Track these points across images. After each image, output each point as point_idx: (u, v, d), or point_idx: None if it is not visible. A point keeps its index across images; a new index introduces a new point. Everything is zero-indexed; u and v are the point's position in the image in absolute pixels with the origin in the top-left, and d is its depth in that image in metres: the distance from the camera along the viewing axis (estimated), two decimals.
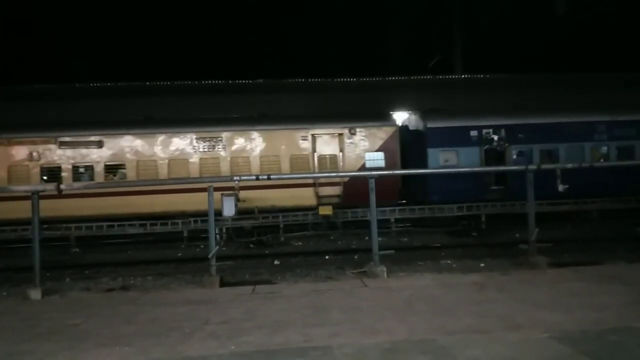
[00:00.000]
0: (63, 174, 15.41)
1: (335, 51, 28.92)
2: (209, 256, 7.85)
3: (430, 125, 16.40)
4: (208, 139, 16.09)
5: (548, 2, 25.14)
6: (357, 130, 16.33)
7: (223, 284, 7.97)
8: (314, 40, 28.89)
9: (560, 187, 8.61)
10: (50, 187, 8.79)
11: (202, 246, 13.88)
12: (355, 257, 11.70)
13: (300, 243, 14.97)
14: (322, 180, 15.59)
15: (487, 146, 16.18)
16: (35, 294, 7.27)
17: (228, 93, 20.42)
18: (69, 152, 15.55)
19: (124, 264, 12.16)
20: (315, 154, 16.24)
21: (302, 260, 11.91)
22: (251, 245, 14.71)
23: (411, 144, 16.87)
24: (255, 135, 16.27)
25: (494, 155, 16.25)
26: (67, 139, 15.55)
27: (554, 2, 24.58)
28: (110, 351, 4.38)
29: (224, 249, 13.66)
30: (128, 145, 15.82)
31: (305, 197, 15.49)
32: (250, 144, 16.22)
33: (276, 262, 11.86)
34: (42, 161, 15.50)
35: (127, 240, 15.64)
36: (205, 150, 15.96)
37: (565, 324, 4.53)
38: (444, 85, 21.40)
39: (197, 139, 16.01)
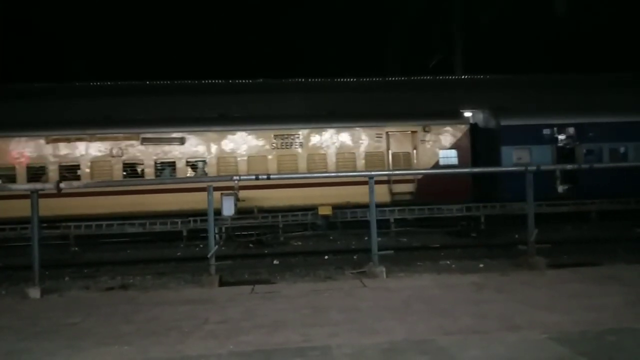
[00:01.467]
0: (145, 170, 15.67)
1: (334, 51, 28.95)
2: (208, 255, 7.84)
3: (504, 123, 16.60)
4: (286, 136, 16.34)
5: (548, 2, 25.16)
6: (431, 127, 16.52)
7: (222, 283, 7.97)
8: (317, 40, 28.92)
9: (560, 188, 8.63)
10: (50, 186, 8.78)
11: (201, 245, 13.88)
12: (355, 257, 11.70)
13: (300, 243, 14.97)
14: (396, 178, 15.85)
15: (558, 144, 16.39)
16: (34, 292, 7.26)
17: (302, 91, 20.66)
18: (151, 148, 15.77)
19: (123, 263, 12.16)
20: (390, 151, 16.44)
21: (302, 260, 11.91)
22: (250, 245, 14.72)
23: (482, 141, 17.00)
24: (331, 132, 16.47)
25: (565, 154, 16.44)
26: (149, 135, 15.78)
27: (554, 2, 24.61)
28: (109, 350, 4.38)
29: (223, 248, 13.66)
30: (209, 142, 16.02)
31: (379, 193, 15.76)
32: (327, 142, 16.44)
33: (275, 261, 11.86)
34: (125, 157, 15.74)
35: (127, 240, 15.64)
36: (283, 147, 16.19)
37: (564, 324, 4.53)
38: (511, 84, 21.50)
39: (275, 136, 16.23)
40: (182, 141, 15.87)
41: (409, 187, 16.17)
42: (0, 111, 18.14)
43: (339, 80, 21.91)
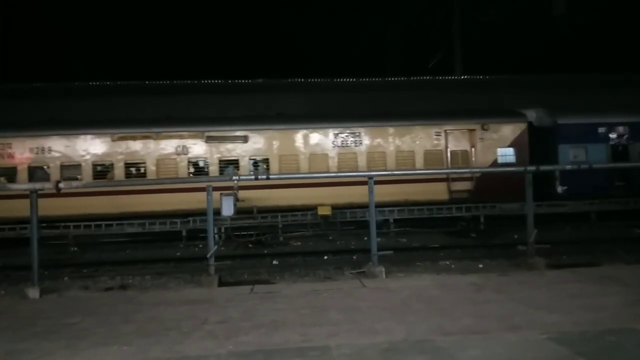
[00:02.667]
0: (210, 168, 15.84)
1: (334, 50, 28.98)
2: (208, 256, 7.84)
3: (561, 121, 16.68)
4: (346, 134, 16.48)
5: (547, 3, 25.17)
6: (490, 126, 16.60)
7: (221, 283, 7.96)
8: (317, 40, 28.95)
9: (559, 189, 8.65)
10: (49, 185, 8.78)
11: (200, 246, 13.88)
12: (354, 257, 11.70)
13: (299, 243, 14.98)
14: (454, 175, 16.03)
15: (611, 142, 16.52)
16: (34, 292, 7.26)
17: (359, 90, 20.75)
18: (215, 146, 15.93)
19: (122, 263, 12.16)
20: (448, 149, 16.52)
21: (301, 260, 11.91)
22: (250, 245, 14.72)
23: (539, 139, 16.95)
24: (391, 131, 16.57)
25: (619, 152, 16.57)
26: (213, 133, 15.95)
27: (553, 2, 24.61)
28: (108, 350, 4.38)
29: (222, 248, 13.66)
30: (272, 140, 16.16)
31: (438, 191, 15.88)
32: (386, 140, 16.54)
33: (275, 262, 11.85)
34: (190, 155, 15.93)
35: (127, 240, 15.64)
36: (344, 145, 16.33)
37: (563, 325, 4.53)
38: (564, 83, 21.54)
39: (336, 134, 16.35)
40: (245, 139, 16.07)
41: (466, 185, 16.29)
42: (67, 109, 18.41)
43: (395, 79, 22.22)
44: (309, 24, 29.10)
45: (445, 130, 16.63)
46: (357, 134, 16.47)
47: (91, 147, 15.82)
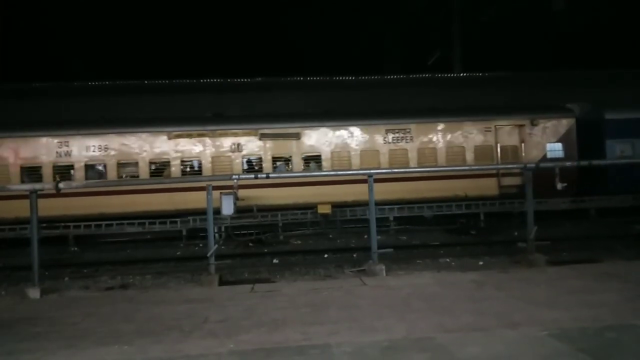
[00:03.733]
0: (263, 165, 16.00)
1: (332, 50, 28.98)
2: (208, 255, 7.84)
3: (608, 116, 16.78)
4: (397, 130, 16.60)
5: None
6: (539, 121, 16.72)
7: (222, 282, 7.97)
8: (316, 39, 28.97)
9: (559, 186, 8.65)
10: (49, 186, 8.78)
11: (200, 245, 13.89)
12: (354, 255, 11.70)
13: (299, 242, 14.98)
14: (504, 171, 16.12)
15: None
16: (34, 292, 7.26)
17: (407, 86, 20.86)
18: (269, 143, 16.09)
19: (122, 262, 12.17)
20: (498, 144, 16.64)
21: (301, 259, 11.92)
22: (250, 244, 14.73)
23: (587, 135, 16.98)
24: (441, 127, 16.65)
25: None
26: (267, 131, 16.13)
27: None
28: (109, 350, 4.38)
29: (222, 247, 13.66)
30: (324, 137, 16.30)
31: (488, 186, 16.02)
32: (437, 136, 16.64)
33: (275, 260, 11.86)
34: (244, 152, 16.11)
35: (127, 239, 15.65)
36: (395, 141, 16.41)
37: (563, 321, 4.54)
38: (609, 79, 21.62)
39: (387, 130, 16.46)
40: (297, 136, 16.25)
41: (516, 181, 16.37)
42: (122, 107, 18.59)
43: (443, 75, 22.37)
44: (309, 24, 29.09)
45: (495, 126, 16.76)
46: (408, 130, 16.58)
47: (148, 145, 16.02)
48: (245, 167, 16.22)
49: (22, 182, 15.16)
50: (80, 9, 25.95)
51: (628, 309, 4.86)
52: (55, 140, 15.92)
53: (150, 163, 16.00)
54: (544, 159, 16.50)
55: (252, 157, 16.27)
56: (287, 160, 16.33)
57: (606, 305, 5.03)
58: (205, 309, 5.69)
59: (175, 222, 15.37)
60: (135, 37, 27.57)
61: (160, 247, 14.64)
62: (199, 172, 15.91)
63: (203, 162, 16.01)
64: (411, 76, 22.59)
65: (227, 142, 16.16)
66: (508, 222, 15.39)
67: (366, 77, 22.32)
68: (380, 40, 30.16)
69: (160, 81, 20.99)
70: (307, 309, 5.43)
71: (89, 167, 15.86)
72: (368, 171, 9.64)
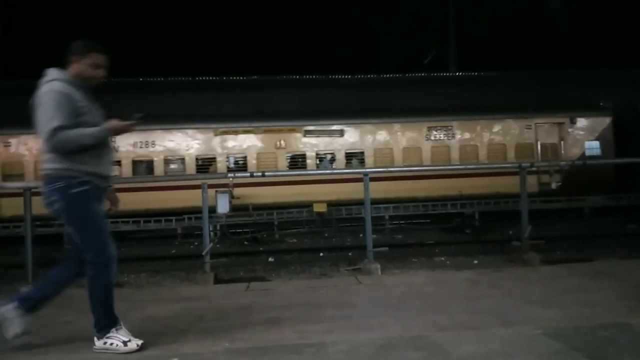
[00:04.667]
0: (307, 161, 16.10)
1: (331, 49, 28.99)
2: (203, 253, 7.82)
3: None
4: (439, 127, 16.72)
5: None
6: (577, 119, 16.84)
7: (217, 281, 7.94)
8: (315, 38, 29.00)
9: (553, 185, 8.70)
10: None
11: (195, 243, 13.87)
12: (350, 254, 11.72)
13: (295, 240, 14.99)
14: (544, 168, 16.31)
15: None
16: None
17: (446, 84, 20.96)
18: (313, 140, 16.22)
19: (117, 260, 12.11)
20: (538, 142, 16.78)
21: (297, 257, 11.94)
22: (245, 243, 14.72)
23: (623, 133, 17.28)
24: (483, 124, 16.76)
25: None
26: (311, 127, 16.24)
27: None
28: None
29: (218, 246, 13.65)
30: (367, 134, 16.37)
31: (529, 184, 16.11)
32: (478, 133, 16.74)
33: (271, 259, 11.87)
34: (288, 149, 16.19)
35: (123, 237, 15.60)
36: (437, 138, 16.50)
37: (557, 320, 4.56)
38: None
39: (429, 128, 16.58)
40: (341, 133, 16.41)
41: (555, 178, 16.52)
42: (168, 104, 18.71)
43: (486, 73, 22.63)
44: (306, 22, 29.10)
45: (536, 124, 16.91)
46: (450, 127, 16.74)
47: (194, 141, 16.19)
48: (290, 163, 16.41)
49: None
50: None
51: (622, 308, 4.89)
52: None
53: (197, 159, 16.20)
54: (583, 156, 16.70)
55: (296, 154, 16.43)
56: (331, 157, 16.46)
57: (600, 304, 5.06)
58: (201, 307, 5.68)
59: (171, 220, 15.36)
60: (135, 35, 27.48)
61: (155, 245, 14.60)
62: (244, 168, 16.10)
63: (248, 158, 16.19)
64: (434, 74, 22.67)
65: (272, 139, 16.35)
66: (509, 221, 15.46)
67: (390, 75, 22.30)
68: (376, 39, 30.18)
69: (176, 78, 21.00)
70: (303, 308, 5.43)
71: (136, 163, 16.04)
72: (364, 170, 9.64)
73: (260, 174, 9.68)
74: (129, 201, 14.79)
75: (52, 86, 3.81)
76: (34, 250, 7.78)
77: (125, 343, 4.10)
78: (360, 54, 29.08)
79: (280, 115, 16.83)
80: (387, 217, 16.30)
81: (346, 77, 21.58)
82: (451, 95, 18.71)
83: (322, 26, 28.45)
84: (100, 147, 3.99)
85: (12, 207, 14.34)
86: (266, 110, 17.42)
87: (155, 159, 15.74)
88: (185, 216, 15.17)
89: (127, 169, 15.57)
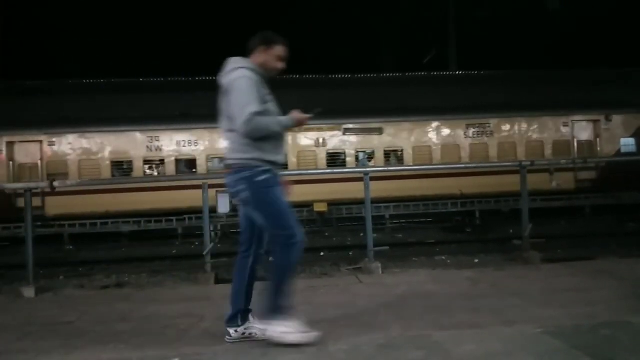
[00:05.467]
0: (347, 159, 16.18)
1: (329, 49, 29.00)
2: (204, 253, 7.83)
3: None
4: (477, 125, 16.78)
5: None
6: (613, 117, 16.90)
7: (218, 280, 7.96)
8: (314, 38, 29.05)
9: (554, 184, 8.70)
10: (44, 185, 8.74)
11: (197, 243, 13.87)
12: (350, 253, 11.73)
13: None
14: (580, 165, 16.33)
15: None
16: (29, 292, 7.22)
17: (485, 82, 21.06)
18: (352, 138, 16.32)
19: (118, 261, 12.14)
20: (575, 139, 16.86)
21: None
22: None
23: None
24: (521, 122, 16.83)
25: None
26: (350, 126, 16.33)
27: None
28: (104, 348, 4.37)
29: (219, 246, 13.64)
30: (406, 132, 16.42)
31: (565, 181, 16.27)
32: (517, 130, 16.83)
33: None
34: (328, 147, 16.31)
35: (122, 238, 15.62)
36: (475, 136, 16.56)
37: (558, 318, 4.56)
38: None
39: (467, 125, 16.65)
40: (380, 131, 16.49)
41: (593, 175, 16.58)
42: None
43: (524, 71, 22.99)
44: (304, 22, 29.13)
45: (572, 121, 16.97)
46: (488, 125, 16.81)
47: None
48: (329, 161, 16.51)
49: (113, 175, 15.57)
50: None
51: (623, 307, 4.89)
52: (146, 135, 16.23)
53: None
54: (618, 153, 16.75)
55: (335, 152, 16.54)
56: (370, 155, 16.55)
57: (601, 302, 5.06)
58: (202, 307, 5.69)
59: (171, 220, 15.37)
60: (134, 35, 27.49)
61: (156, 245, 14.61)
62: (285, 167, 16.18)
63: (289, 156, 16.30)
64: (458, 73, 22.73)
65: (312, 137, 16.44)
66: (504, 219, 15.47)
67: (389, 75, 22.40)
68: (376, 38, 30.18)
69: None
70: (303, 307, 5.43)
71: (179, 162, 16.19)
72: (364, 169, 9.64)
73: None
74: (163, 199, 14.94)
75: (243, 73, 3.90)
76: (35, 250, 7.78)
77: (297, 333, 4.08)
78: (360, 54, 29.14)
79: (320, 113, 16.86)
80: (387, 216, 16.30)
81: (346, 76, 21.70)
82: (488, 92, 18.90)
83: (322, 27, 28.47)
84: (279, 137, 4.13)
85: (58, 206, 14.52)
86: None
87: (197, 157, 15.94)
88: (186, 216, 15.20)
89: (170, 167, 15.77)
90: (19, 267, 8.79)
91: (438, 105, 17.87)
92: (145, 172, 15.70)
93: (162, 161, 15.83)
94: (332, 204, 15.73)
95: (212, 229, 13.67)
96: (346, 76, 21.64)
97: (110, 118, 16.63)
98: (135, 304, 6.05)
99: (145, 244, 14.87)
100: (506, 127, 16.80)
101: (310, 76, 21.23)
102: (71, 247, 14.75)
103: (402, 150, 16.32)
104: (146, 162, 15.97)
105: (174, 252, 13.52)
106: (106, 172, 15.76)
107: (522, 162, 8.88)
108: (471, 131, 16.59)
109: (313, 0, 27.96)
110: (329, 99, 19.38)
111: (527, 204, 8.49)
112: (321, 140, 16.25)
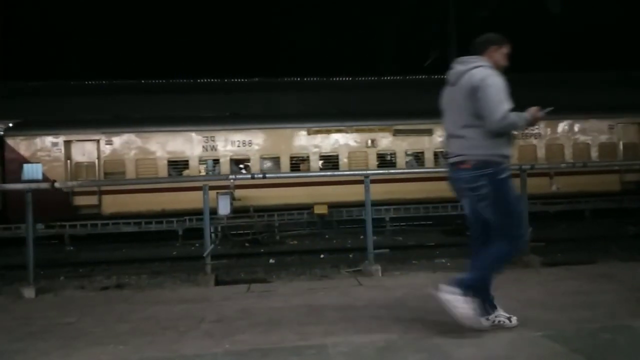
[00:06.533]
0: (397, 160, 16.30)
1: (328, 49, 29.01)
2: (204, 255, 7.83)
3: None
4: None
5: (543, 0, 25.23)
6: None
7: (218, 282, 7.95)
8: (313, 38, 29.04)
9: (554, 187, 8.71)
10: (45, 185, 8.75)
11: (197, 245, 13.88)
12: (350, 256, 11.72)
13: (296, 242, 14.99)
14: (626, 167, 16.85)
15: None
16: (29, 292, 7.22)
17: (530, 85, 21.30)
18: (402, 139, 16.45)
19: (118, 262, 12.15)
20: (620, 142, 17.01)
21: (297, 259, 11.93)
22: (246, 244, 14.72)
23: None
24: (567, 124, 17.02)
25: None
26: (401, 127, 16.48)
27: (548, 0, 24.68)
28: (104, 350, 4.37)
29: (219, 247, 13.66)
30: None
31: (611, 182, 16.39)
32: (564, 133, 16.99)
33: (271, 260, 11.87)
34: (378, 148, 16.46)
35: (122, 238, 15.62)
36: (524, 137, 16.82)
37: (558, 322, 4.56)
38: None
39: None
40: (430, 132, 16.63)
41: (637, 177, 16.73)
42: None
43: (571, 74, 23.60)
44: (304, 24, 29.14)
45: (618, 124, 17.12)
46: (537, 126, 17.04)
47: (289, 140, 16.45)
48: (379, 162, 16.67)
49: (169, 174, 15.79)
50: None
51: (623, 310, 4.88)
52: (202, 135, 16.47)
53: (292, 158, 16.50)
54: None
55: (386, 153, 16.68)
56: (419, 156, 16.66)
57: (601, 306, 5.05)
58: (202, 309, 5.69)
59: (172, 221, 15.37)
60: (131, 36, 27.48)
61: (156, 246, 14.61)
62: (336, 166, 16.37)
63: (340, 157, 16.44)
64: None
65: (362, 138, 16.67)
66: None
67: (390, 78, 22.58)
68: (376, 40, 30.20)
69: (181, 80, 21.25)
70: (303, 309, 5.43)
71: (234, 161, 16.39)
72: (364, 172, 9.65)
73: (261, 175, 9.71)
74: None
75: (489, 71, 4.06)
76: (35, 251, 7.78)
77: (473, 313, 4.13)
78: (360, 56, 29.16)
79: (370, 115, 17.19)
80: (387, 218, 16.30)
81: (347, 79, 21.82)
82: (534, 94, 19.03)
83: (322, 28, 28.51)
84: (511, 133, 4.21)
85: (115, 204, 14.72)
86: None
87: (252, 157, 16.13)
88: (187, 218, 15.21)
89: (225, 167, 15.98)
90: (20, 268, 8.79)
91: None
92: (200, 171, 16.03)
93: (216, 161, 16.17)
94: (332, 206, 15.78)
95: (212, 230, 13.69)
96: (397, 78, 22.15)
97: (167, 118, 17.02)
98: (135, 305, 6.05)
99: (146, 245, 14.88)
100: (554, 128, 17.02)
101: (363, 78, 21.76)
102: (71, 248, 14.77)
103: None
104: (202, 161, 16.29)
105: (174, 253, 13.52)
106: (163, 171, 16.01)
107: (522, 165, 8.89)
108: (520, 132, 16.96)
109: (314, 2, 28.05)
110: (380, 100, 19.67)
111: (526, 207, 8.47)
112: (372, 141, 16.50)
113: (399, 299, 5.77)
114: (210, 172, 15.94)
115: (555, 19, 25.96)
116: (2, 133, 16.42)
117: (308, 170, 16.04)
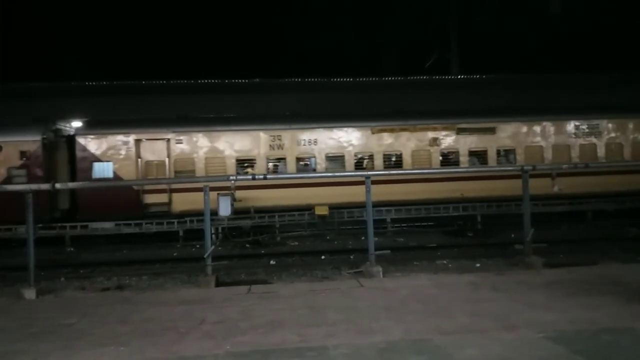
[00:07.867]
0: (460, 158, 16.38)
1: (328, 49, 29.02)
2: (205, 256, 7.83)
3: None
4: (586, 126, 17.20)
5: (544, 1, 25.22)
6: None
7: (219, 283, 7.95)
8: (313, 38, 29.08)
9: (555, 188, 8.70)
10: (46, 186, 8.75)
11: (197, 246, 13.86)
12: (351, 257, 11.70)
13: (297, 243, 14.98)
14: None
15: None
16: (30, 293, 7.23)
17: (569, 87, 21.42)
18: (465, 138, 16.50)
19: (119, 263, 12.13)
20: None
21: (298, 260, 11.90)
22: (247, 245, 14.71)
23: None
24: (627, 123, 17.43)
25: None
26: (464, 125, 16.56)
27: (549, 1, 24.67)
28: (105, 351, 4.37)
29: (219, 248, 13.65)
30: (518, 132, 16.88)
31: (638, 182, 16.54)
32: (623, 132, 17.27)
33: (272, 262, 11.84)
34: (442, 146, 16.53)
35: (123, 240, 15.61)
36: (584, 136, 16.92)
37: (560, 323, 4.55)
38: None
39: (576, 126, 17.08)
40: (493, 131, 16.69)
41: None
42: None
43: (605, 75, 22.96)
44: (306, 26, 29.17)
45: None
46: (596, 125, 17.18)
47: (353, 139, 16.58)
48: (442, 160, 16.74)
49: (237, 173, 15.90)
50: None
51: (624, 312, 4.87)
52: (269, 135, 16.59)
53: (355, 156, 16.62)
54: None
55: (449, 151, 16.74)
56: (482, 155, 16.76)
57: (603, 307, 5.04)
58: (202, 310, 5.68)
59: (172, 222, 15.35)
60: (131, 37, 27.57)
61: (157, 248, 14.60)
62: (400, 165, 16.44)
63: (404, 156, 16.51)
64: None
65: (425, 137, 16.80)
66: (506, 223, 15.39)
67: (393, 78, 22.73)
68: (378, 42, 30.21)
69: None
70: (304, 311, 5.43)
71: (299, 160, 16.49)
72: (365, 173, 9.65)
73: (262, 176, 9.70)
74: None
75: None
76: (36, 252, 7.80)
77: None
78: (361, 57, 29.16)
79: (434, 114, 17.31)
80: (388, 220, 16.28)
81: (348, 79, 21.83)
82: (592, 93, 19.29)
83: (322, 29, 28.52)
84: None
85: (185, 202, 14.85)
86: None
87: (317, 156, 16.25)
88: (188, 219, 15.20)
89: (291, 166, 16.11)
90: (20, 269, 8.79)
91: (546, 106, 18.37)
92: (268, 170, 16.17)
93: (283, 159, 16.33)
94: (334, 207, 15.77)
95: (213, 231, 13.68)
96: (461, 77, 22.40)
97: (235, 118, 17.19)
98: (136, 306, 6.05)
99: (146, 246, 14.88)
100: (614, 127, 17.21)
101: (424, 77, 22.00)
102: (72, 249, 14.77)
103: (514, 150, 16.80)
104: (269, 160, 16.45)
105: (174, 254, 13.51)
106: (231, 170, 16.07)
107: (524, 166, 8.88)
108: (580, 131, 17.11)
109: (309, 3, 28.10)
110: (444, 100, 19.75)
111: (528, 208, 8.48)
112: (434, 140, 16.62)
113: (400, 300, 5.76)
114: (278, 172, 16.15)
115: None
116: (73, 132, 16.50)
117: (372, 168, 16.29)
